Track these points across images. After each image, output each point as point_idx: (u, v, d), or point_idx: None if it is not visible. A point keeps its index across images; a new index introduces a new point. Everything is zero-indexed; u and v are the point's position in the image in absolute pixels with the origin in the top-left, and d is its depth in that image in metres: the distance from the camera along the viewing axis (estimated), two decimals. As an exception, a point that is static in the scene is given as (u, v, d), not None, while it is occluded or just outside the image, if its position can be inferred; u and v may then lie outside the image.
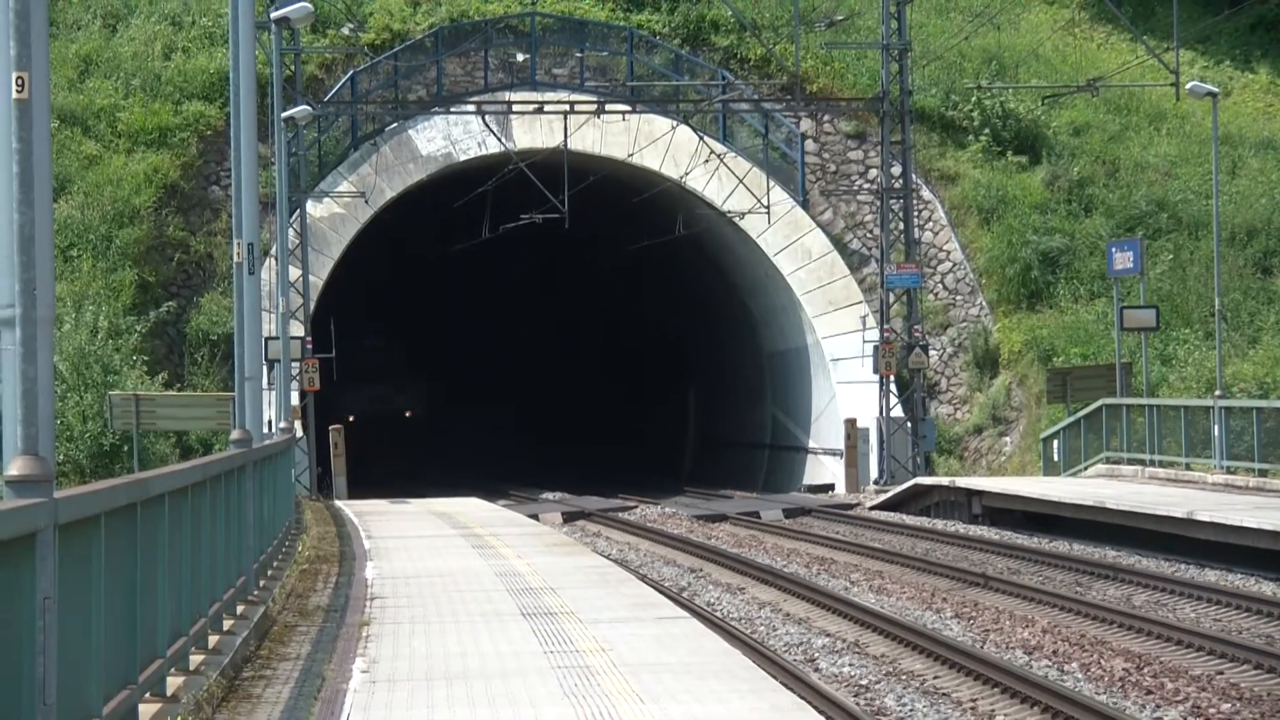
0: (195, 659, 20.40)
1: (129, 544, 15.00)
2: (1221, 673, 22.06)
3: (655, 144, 63.32)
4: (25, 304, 12.38)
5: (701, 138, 59.31)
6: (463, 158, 70.52)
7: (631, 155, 64.51)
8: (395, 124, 70.34)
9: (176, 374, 63.79)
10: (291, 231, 62.99)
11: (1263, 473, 43.45)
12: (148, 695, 16.67)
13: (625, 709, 16.28)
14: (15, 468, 12.41)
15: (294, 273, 60.70)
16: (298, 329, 60.45)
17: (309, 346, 62.56)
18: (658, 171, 64.25)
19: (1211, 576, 33.39)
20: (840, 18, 70.33)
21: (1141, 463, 47.94)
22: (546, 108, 66.11)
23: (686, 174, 61.46)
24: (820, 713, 16.93)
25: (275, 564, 33.34)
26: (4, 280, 12.52)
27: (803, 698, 17.62)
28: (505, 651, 21.87)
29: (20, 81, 12.38)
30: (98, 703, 13.00)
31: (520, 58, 72.49)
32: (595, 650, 20.56)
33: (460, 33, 72.70)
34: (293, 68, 66.38)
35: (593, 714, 16.21)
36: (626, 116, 64.14)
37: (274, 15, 48.15)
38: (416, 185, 70.34)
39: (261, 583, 28.27)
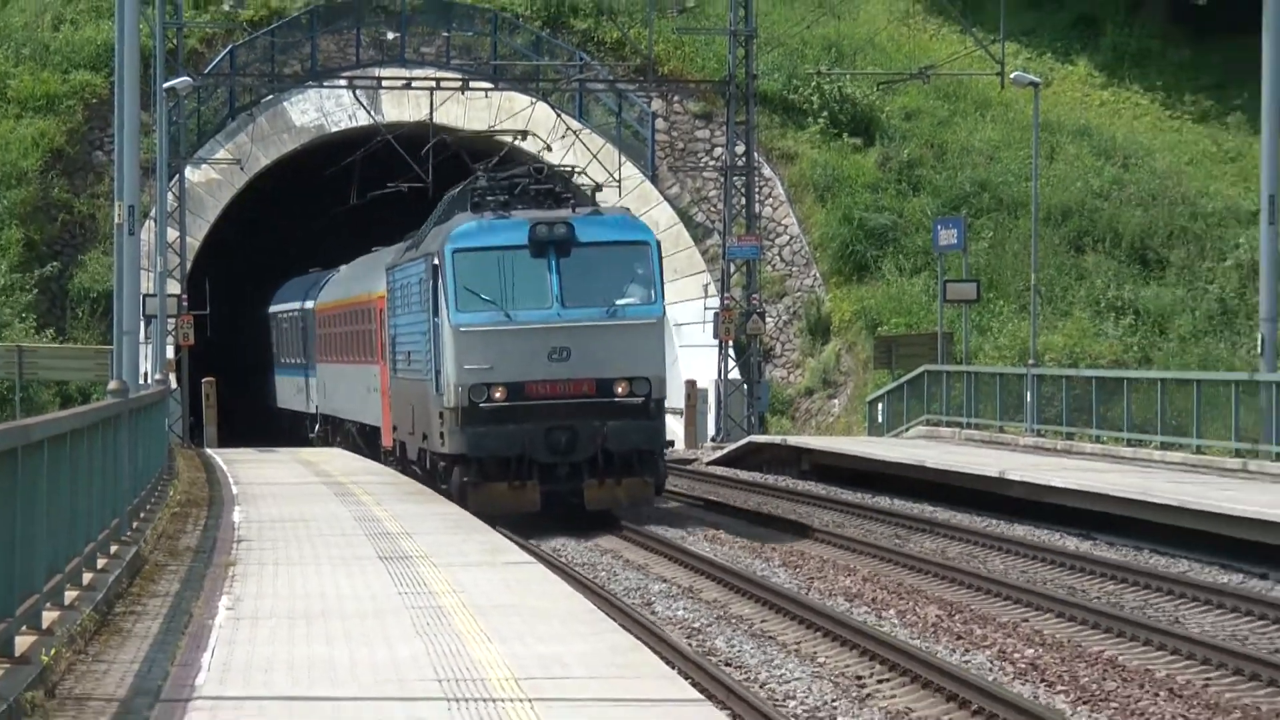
0: (70, 595, 19.82)
1: (9, 486, 14.52)
2: (1027, 620, 22.86)
3: (515, 119, 63.42)
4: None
5: (559, 115, 60.32)
6: (334, 129, 71.02)
7: (493, 129, 64.07)
8: (271, 96, 70.51)
9: (59, 328, 63.95)
10: (170, 195, 62.95)
11: (1070, 435, 44.82)
12: (24, 628, 16.27)
13: (474, 648, 16.35)
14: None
15: (172, 234, 61.29)
16: (175, 288, 60.96)
17: (184, 303, 62.37)
18: (517, 146, 63.97)
19: (1020, 531, 34.45)
20: (691, 4, 71.11)
21: (959, 425, 49.11)
22: (414, 84, 66.37)
23: (545, 149, 60.63)
24: (655, 652, 17.20)
25: (148, 507, 32.58)
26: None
27: (639, 639, 17.93)
28: (363, 593, 21.94)
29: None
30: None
31: (390, 36, 72.72)
32: (447, 592, 20.75)
33: (335, 11, 72.44)
34: (175, 40, 65.76)
35: (443, 652, 16.39)
36: (489, 94, 64.76)
37: (158, -11, 48.37)
38: (290, 154, 70.78)
39: (135, 524, 27.86)
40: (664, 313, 36.22)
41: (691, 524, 35.87)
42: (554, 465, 33.86)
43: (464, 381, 34.00)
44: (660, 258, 36.21)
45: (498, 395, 33.92)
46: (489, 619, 19.06)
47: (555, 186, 37.83)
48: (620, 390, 34.05)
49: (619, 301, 34.43)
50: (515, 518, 33.65)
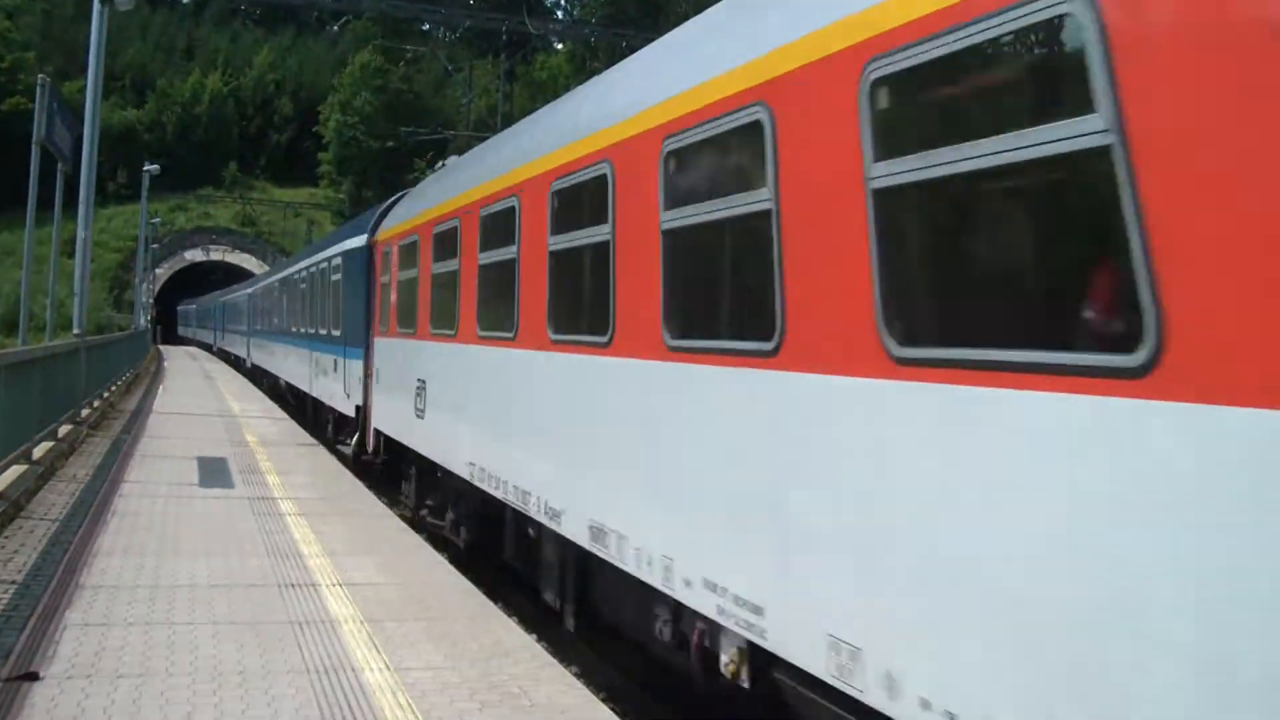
0: (125, 379, 32.12)
1: (58, 370, 17.26)
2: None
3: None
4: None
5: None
6: (195, 261, 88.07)
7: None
8: (182, 251, 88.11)
9: (118, 310, 74.99)
10: (152, 276, 73.69)
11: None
12: (106, 393, 23.75)
13: (249, 432, 20.57)
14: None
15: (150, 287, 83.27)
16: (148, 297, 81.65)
17: (154, 302, 76.92)
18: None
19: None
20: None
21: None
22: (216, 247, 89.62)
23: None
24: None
25: (142, 360, 44.11)
26: None
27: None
28: (207, 387, 40.98)
29: None
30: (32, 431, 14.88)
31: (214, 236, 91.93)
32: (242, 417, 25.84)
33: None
34: (156, 231, 74.51)
35: (239, 442, 20.71)
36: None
37: None
38: (186, 265, 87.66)
39: (135, 366, 40.28)
40: None
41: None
42: None
43: None
44: None
45: None
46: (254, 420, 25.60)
47: None
48: None
49: None
50: None
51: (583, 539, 7.97)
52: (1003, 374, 4.21)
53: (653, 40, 8.26)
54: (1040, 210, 4.39)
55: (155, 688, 7.08)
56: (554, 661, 8.07)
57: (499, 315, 10.17)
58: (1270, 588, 3.24)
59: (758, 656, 6.05)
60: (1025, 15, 4.13)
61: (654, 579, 6.83)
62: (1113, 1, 3.86)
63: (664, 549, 6.73)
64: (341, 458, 18.51)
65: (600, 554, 7.65)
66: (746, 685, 6.22)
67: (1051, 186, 4.28)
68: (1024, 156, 4.11)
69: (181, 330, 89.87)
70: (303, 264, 25.57)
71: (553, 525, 8.64)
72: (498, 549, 11.20)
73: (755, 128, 5.84)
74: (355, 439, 17.87)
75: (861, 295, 4.97)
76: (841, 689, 5.03)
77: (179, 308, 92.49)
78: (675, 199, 6.79)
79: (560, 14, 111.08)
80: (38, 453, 15.56)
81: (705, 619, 6.45)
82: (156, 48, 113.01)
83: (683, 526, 6.51)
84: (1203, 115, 3.59)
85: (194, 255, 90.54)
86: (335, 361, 20.00)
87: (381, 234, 16.91)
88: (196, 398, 29.34)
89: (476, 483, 10.85)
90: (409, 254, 14.37)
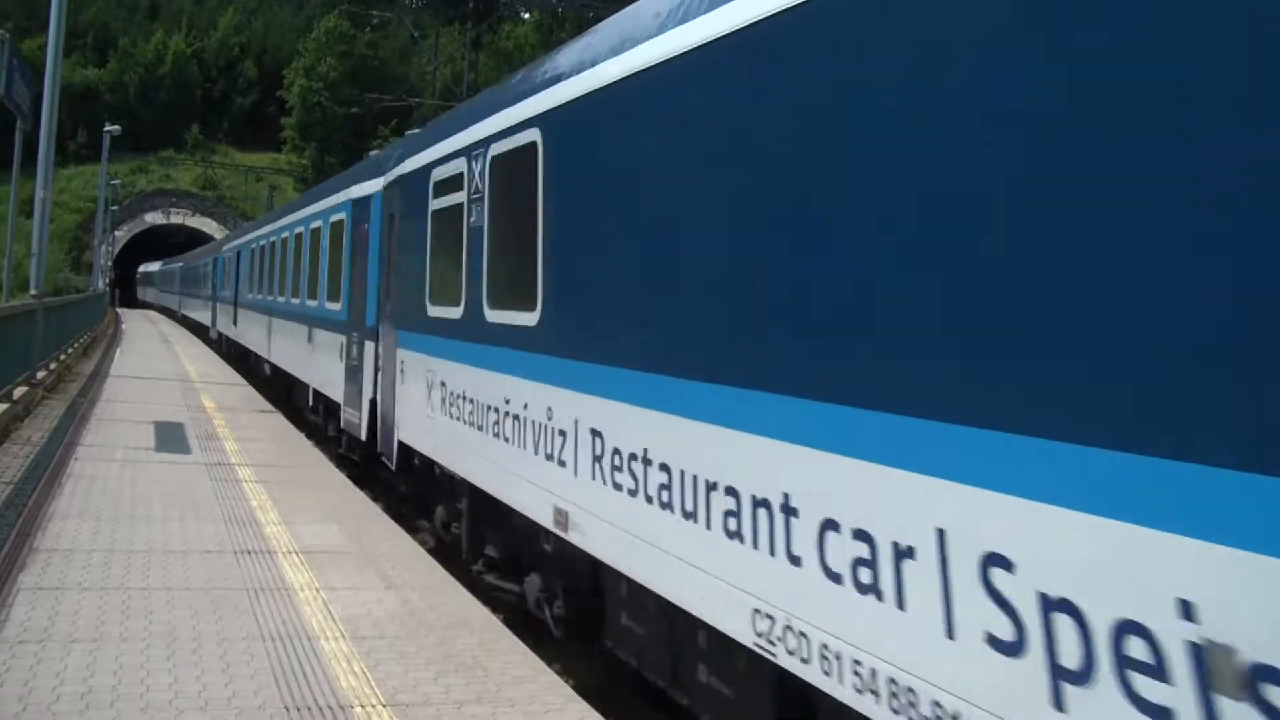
0: (84, 339, 31.69)
1: (14, 331, 17.38)
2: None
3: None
4: None
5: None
6: (155, 224, 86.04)
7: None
8: (141, 215, 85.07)
9: (75, 272, 73.51)
10: (111, 239, 75.85)
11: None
12: (63, 356, 23.84)
13: (205, 394, 20.39)
14: None
15: (108, 248, 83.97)
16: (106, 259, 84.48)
17: (111, 264, 78.25)
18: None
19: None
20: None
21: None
22: (175, 209, 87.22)
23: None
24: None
25: (99, 322, 44.53)
26: None
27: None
28: (163, 350, 41.59)
29: None
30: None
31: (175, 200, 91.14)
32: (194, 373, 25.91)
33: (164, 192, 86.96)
34: (115, 195, 74.65)
35: (196, 408, 19.87)
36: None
37: None
38: (145, 229, 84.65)
39: (93, 328, 39.42)
40: None
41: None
42: None
43: None
44: None
45: None
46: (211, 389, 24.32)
47: None
48: None
49: None
50: None
51: None
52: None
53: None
54: None
55: (109, 653, 7.05)
56: (509, 633, 8.07)
57: None
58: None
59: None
60: None
61: None
62: None
63: None
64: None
65: None
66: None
67: None
68: None
69: (142, 295, 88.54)
70: None
71: None
72: None
73: None
74: None
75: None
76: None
77: (139, 269, 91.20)
78: None
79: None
80: (-8, 415, 15.48)
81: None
82: (119, 6, 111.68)
83: None
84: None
85: (154, 218, 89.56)
86: None
87: None
88: (154, 361, 29.21)
89: None
90: None
